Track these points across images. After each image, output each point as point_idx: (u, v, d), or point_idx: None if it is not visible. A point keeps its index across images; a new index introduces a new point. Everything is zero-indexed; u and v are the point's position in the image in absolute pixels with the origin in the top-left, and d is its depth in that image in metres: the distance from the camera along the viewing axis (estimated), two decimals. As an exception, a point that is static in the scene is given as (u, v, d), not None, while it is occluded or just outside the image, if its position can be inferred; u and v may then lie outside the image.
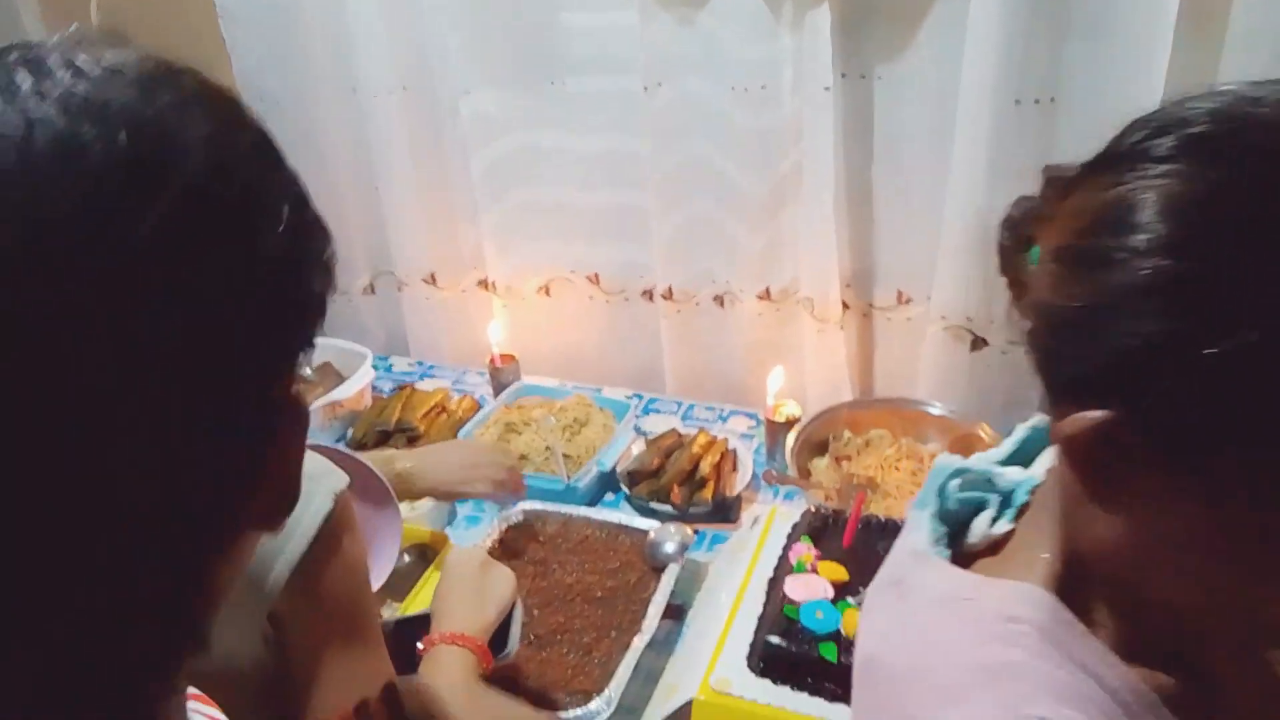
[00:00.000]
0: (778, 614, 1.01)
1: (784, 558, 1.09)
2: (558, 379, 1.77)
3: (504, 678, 1.00)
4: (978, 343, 1.48)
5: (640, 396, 1.73)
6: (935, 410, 1.46)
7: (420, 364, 1.90)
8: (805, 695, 0.95)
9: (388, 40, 1.59)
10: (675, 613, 1.24)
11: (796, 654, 0.97)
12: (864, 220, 1.51)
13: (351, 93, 1.64)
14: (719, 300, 1.66)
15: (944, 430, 1.45)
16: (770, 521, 1.21)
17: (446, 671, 0.89)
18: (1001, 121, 1.31)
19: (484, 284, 1.80)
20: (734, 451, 1.49)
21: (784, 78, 1.42)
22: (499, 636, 0.97)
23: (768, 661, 0.98)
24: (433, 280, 1.82)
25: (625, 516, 1.34)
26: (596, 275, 1.72)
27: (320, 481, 0.70)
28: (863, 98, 1.42)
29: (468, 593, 0.97)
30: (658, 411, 1.69)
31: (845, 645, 0.96)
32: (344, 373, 1.71)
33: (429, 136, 1.67)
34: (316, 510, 0.68)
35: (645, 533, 1.30)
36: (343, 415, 1.63)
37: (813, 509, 1.17)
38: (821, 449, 1.47)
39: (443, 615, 0.95)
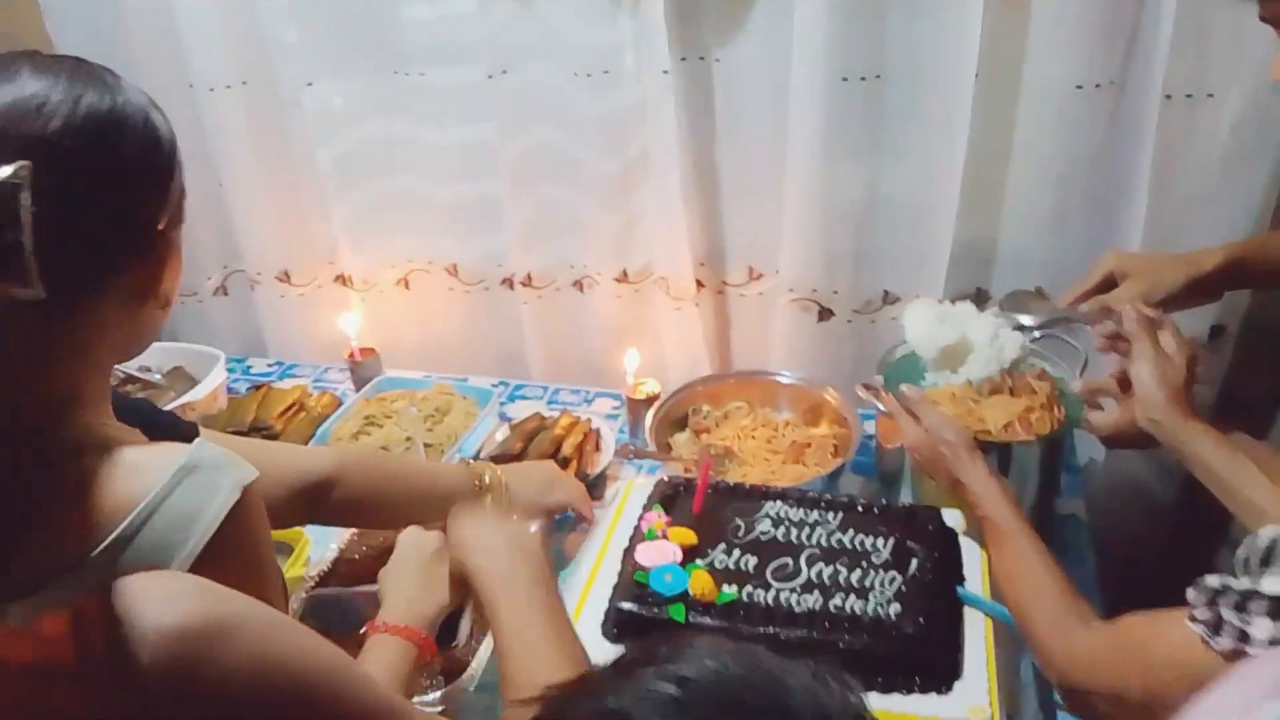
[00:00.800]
0: (629, 580, 1.03)
1: (637, 527, 1.12)
2: (421, 371, 1.76)
3: (449, 670, 1.01)
4: (824, 313, 1.55)
5: (505, 384, 1.73)
6: (785, 379, 1.51)
7: (279, 364, 1.85)
8: (658, 656, 0.98)
9: (223, 33, 1.55)
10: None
11: (647, 617, 0.99)
12: (712, 199, 1.55)
13: (187, 88, 1.59)
14: (578, 285, 1.68)
15: (796, 398, 1.50)
16: (626, 495, 1.23)
17: (385, 663, 0.89)
18: (832, 99, 1.37)
19: (341, 279, 1.77)
20: (597, 431, 1.51)
21: (625, 62, 1.44)
22: (449, 626, 0.99)
23: (620, 626, 1.01)
24: (286, 278, 1.78)
25: (488, 500, 1.34)
26: (455, 266, 1.72)
27: (227, 472, 0.66)
28: (702, 80, 1.45)
29: (417, 577, 0.97)
30: (524, 398, 1.70)
31: (693, 605, 0.99)
32: (197, 376, 1.65)
33: (273, 131, 1.63)
34: (221, 504, 0.64)
35: (507, 516, 1.31)
36: (195, 418, 1.58)
37: (665, 479, 1.20)
38: (682, 424, 1.51)
39: (391, 600, 0.95)
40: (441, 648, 0.98)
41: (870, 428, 1.39)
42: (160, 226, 0.68)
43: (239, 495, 0.66)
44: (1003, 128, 1.40)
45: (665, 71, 1.40)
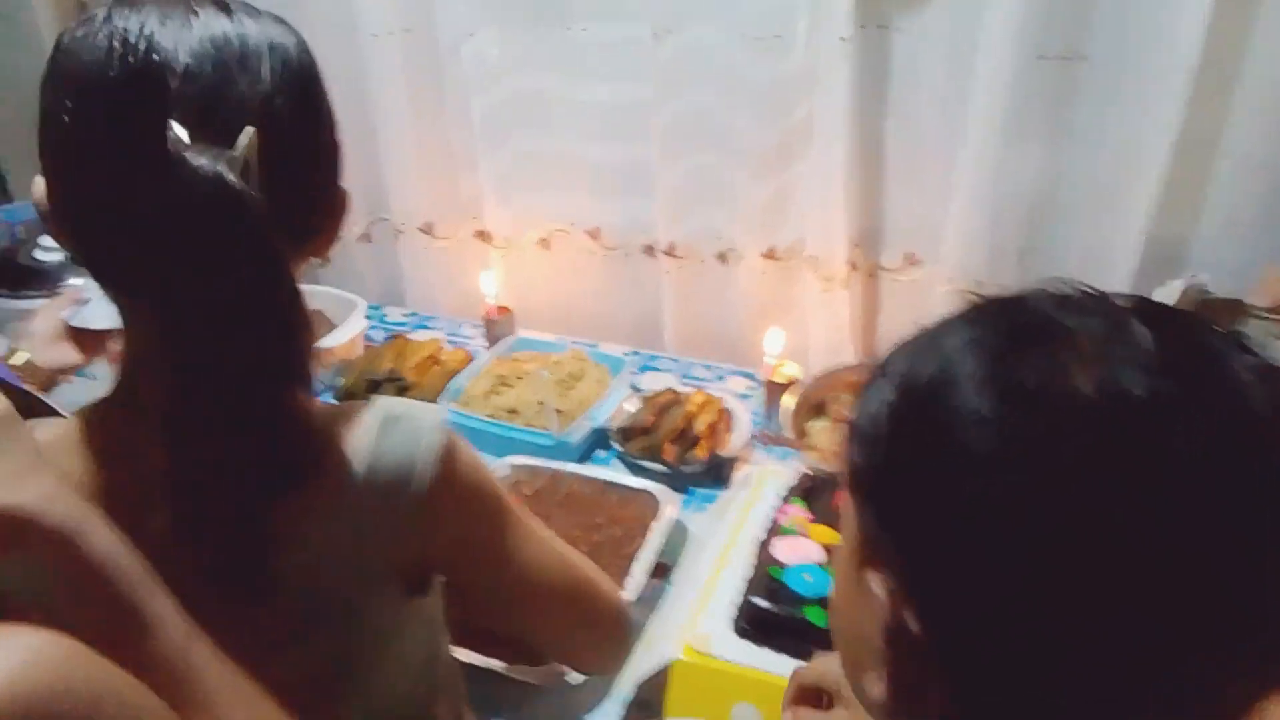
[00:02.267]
0: (763, 575, 0.97)
1: (775, 520, 1.06)
2: (554, 334, 1.74)
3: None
4: (986, 308, 1.44)
5: (637, 353, 1.69)
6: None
7: (415, 315, 1.86)
8: (787, 658, 0.92)
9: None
10: (662, 572, 1.21)
11: (780, 616, 0.93)
12: (874, 177, 1.46)
13: (351, 32, 1.59)
14: (722, 257, 1.61)
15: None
16: (761, 482, 1.17)
17: None
18: (1022, 78, 1.26)
19: (482, 235, 1.76)
20: (730, 411, 1.45)
21: (799, 26, 1.36)
22: None
23: (750, 623, 0.95)
24: (429, 229, 1.78)
25: (613, 473, 1.30)
26: (597, 229, 1.68)
27: (420, 419, 0.67)
28: (880, 49, 1.36)
29: None
30: (655, 369, 1.65)
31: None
32: (336, 321, 1.67)
33: (429, 80, 1.62)
34: (428, 445, 0.66)
35: (634, 490, 1.27)
36: (333, 363, 1.59)
37: (809, 472, 1.14)
38: (820, 411, 1.43)
39: None
40: None
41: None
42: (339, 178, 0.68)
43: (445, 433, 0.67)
44: (1212, 121, 1.26)
45: (844, 39, 1.31)
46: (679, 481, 1.36)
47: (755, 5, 1.36)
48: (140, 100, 0.54)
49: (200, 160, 0.52)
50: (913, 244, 1.50)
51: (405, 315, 1.86)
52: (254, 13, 0.62)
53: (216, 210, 0.53)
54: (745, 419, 1.44)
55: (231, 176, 0.53)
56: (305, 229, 0.65)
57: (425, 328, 1.82)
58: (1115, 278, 1.35)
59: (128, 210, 0.53)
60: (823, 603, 0.93)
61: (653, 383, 1.60)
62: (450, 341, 1.76)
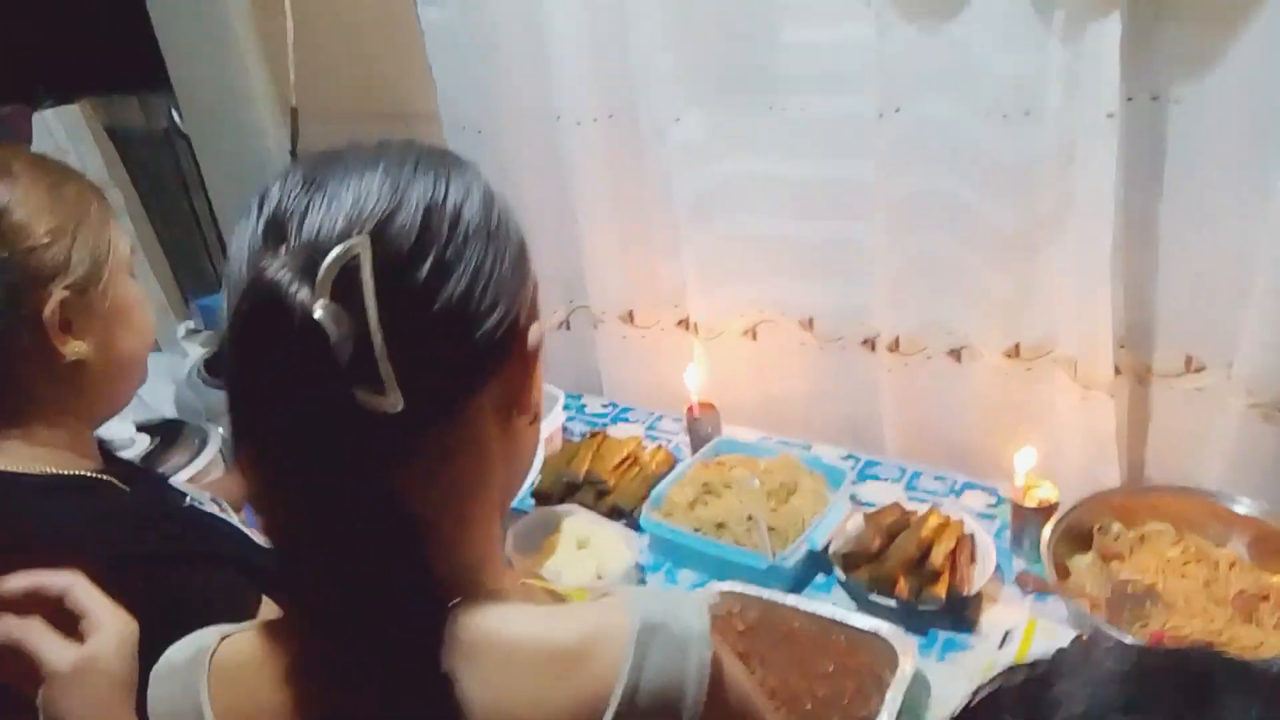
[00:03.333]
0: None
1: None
2: (761, 433, 1.60)
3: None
4: (1293, 424, 1.19)
5: (856, 458, 1.52)
6: (1239, 507, 1.17)
7: (614, 405, 1.77)
8: None
9: (591, 65, 1.47)
10: (899, 737, 1.03)
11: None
12: (1145, 267, 1.25)
13: (554, 120, 1.53)
14: (954, 355, 1.43)
15: (1245, 529, 1.17)
16: (1028, 639, 0.98)
17: None
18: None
19: (684, 324, 1.65)
20: (971, 537, 1.26)
21: (1050, 99, 1.18)
22: None
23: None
24: (630, 318, 1.69)
25: (839, 610, 1.14)
26: (809, 320, 1.54)
27: (686, 621, 0.55)
28: (1153, 124, 1.16)
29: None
30: (876, 478, 1.48)
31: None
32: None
33: (632, 165, 1.53)
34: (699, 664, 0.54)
35: (863, 632, 1.11)
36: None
37: (1083, 637, 0.94)
38: (1082, 543, 1.22)
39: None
40: None
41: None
42: (521, 324, 0.58)
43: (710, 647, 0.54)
44: None
45: (1111, 115, 1.12)
46: (914, 621, 1.18)
47: (999, 75, 1.20)
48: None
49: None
50: (1194, 345, 1.27)
51: (604, 406, 1.78)
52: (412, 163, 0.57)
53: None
54: (990, 547, 1.24)
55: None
56: (471, 369, 0.56)
57: (624, 419, 1.73)
58: None
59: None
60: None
61: (874, 494, 1.43)
62: (650, 436, 1.66)
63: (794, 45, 1.35)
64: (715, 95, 1.42)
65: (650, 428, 1.69)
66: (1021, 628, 1.01)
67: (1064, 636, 0.96)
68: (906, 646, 1.07)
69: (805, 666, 1.08)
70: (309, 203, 0.52)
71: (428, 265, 0.53)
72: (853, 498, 1.42)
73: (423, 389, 0.52)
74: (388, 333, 0.49)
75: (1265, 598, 1.09)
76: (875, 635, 1.10)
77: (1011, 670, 0.42)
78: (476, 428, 0.58)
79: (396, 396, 0.50)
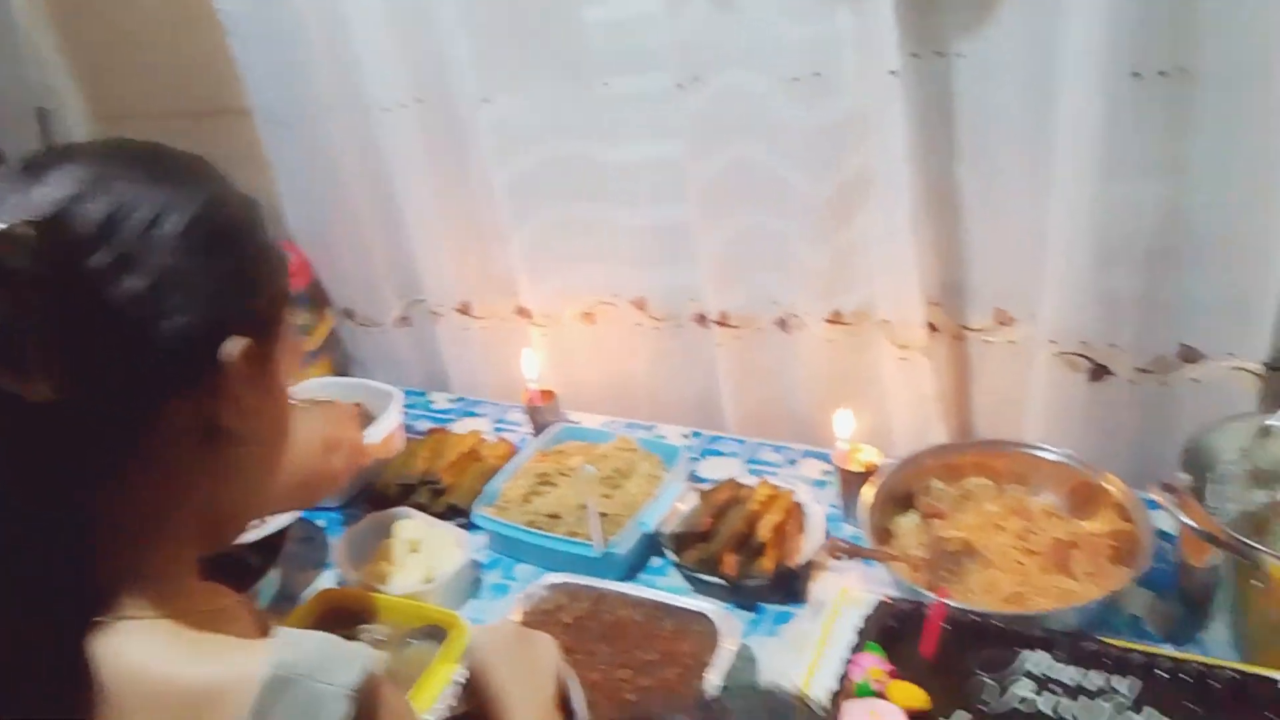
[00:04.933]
0: (834, 759, 0.78)
1: (846, 674, 0.86)
2: (606, 415, 1.58)
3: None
4: (1098, 371, 1.22)
5: (699, 435, 1.52)
6: (1049, 455, 1.20)
7: (461, 400, 1.73)
8: None
9: (397, 51, 1.41)
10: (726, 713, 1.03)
11: (858, 815, 0.74)
12: (950, 226, 1.26)
13: (365, 110, 1.48)
14: (781, 324, 1.43)
15: (1060, 479, 1.19)
16: (836, 611, 0.98)
17: None
18: (1119, 100, 1.05)
19: (522, 311, 1.61)
20: (801, 507, 1.26)
21: (843, 62, 1.18)
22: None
23: (822, 820, 0.76)
24: (467, 309, 1.65)
25: (668, 595, 1.13)
26: (642, 300, 1.52)
27: (332, 672, 0.52)
28: (940, 80, 1.17)
29: (522, 675, 0.83)
30: (718, 453, 1.47)
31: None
32: (376, 414, 1.55)
33: (450, 152, 1.49)
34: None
35: (692, 614, 1.10)
36: (365, 467, 1.47)
37: (888, 601, 0.94)
38: (907, 504, 1.23)
39: (509, 708, 0.80)
40: None
41: (1166, 522, 1.05)
42: (228, 338, 0.55)
43: (352, 704, 0.50)
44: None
45: (893, 72, 1.12)
46: (744, 597, 1.18)
47: (791, 42, 1.19)
48: None
49: None
50: (1004, 299, 1.29)
51: (451, 401, 1.73)
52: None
53: None
54: (820, 516, 1.25)
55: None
56: (147, 380, 0.54)
57: (471, 414, 1.69)
58: (1255, 323, 1.11)
59: None
60: (909, 798, 0.74)
61: (715, 471, 1.42)
62: (499, 430, 1.62)
63: (593, 23, 1.32)
64: (523, 76, 1.39)
65: (499, 421, 1.65)
66: (834, 597, 1.00)
67: (870, 602, 0.96)
68: (731, 627, 1.06)
69: (630, 657, 1.06)
70: (11, 189, 0.53)
71: (104, 256, 0.51)
72: (694, 477, 1.41)
73: (88, 385, 0.50)
74: (44, 318, 0.48)
75: (1075, 545, 1.11)
76: (702, 617, 1.09)
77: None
78: (163, 445, 0.55)
79: (45, 385, 0.48)
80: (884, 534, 1.18)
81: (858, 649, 0.88)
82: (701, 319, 1.48)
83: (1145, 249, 1.13)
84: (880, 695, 0.82)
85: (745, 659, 1.09)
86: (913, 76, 1.15)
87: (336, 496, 1.42)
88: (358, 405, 1.57)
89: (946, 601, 0.87)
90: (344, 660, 0.53)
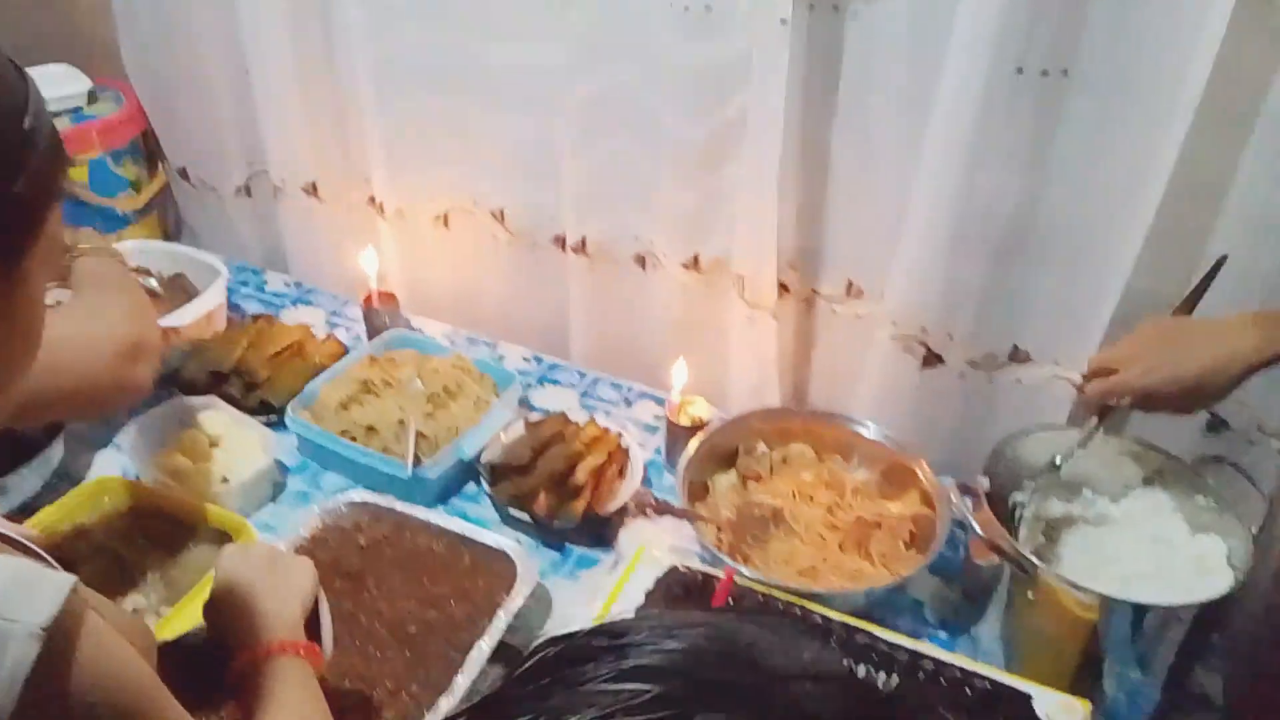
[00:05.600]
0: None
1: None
2: (449, 325, 1.52)
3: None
4: (931, 359, 1.23)
5: (540, 360, 1.48)
6: (869, 431, 1.21)
7: (299, 286, 1.63)
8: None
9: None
10: (513, 657, 1.02)
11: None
12: (816, 189, 1.23)
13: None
14: (640, 260, 1.39)
15: (875, 457, 1.21)
16: (632, 567, 0.97)
17: (303, 686, 0.73)
18: (995, 92, 1.03)
19: (373, 202, 1.52)
20: (626, 451, 1.25)
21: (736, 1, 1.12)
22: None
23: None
24: (314, 190, 1.53)
25: (472, 527, 1.10)
26: (501, 212, 1.44)
27: (12, 607, 0.47)
28: (830, 36, 1.12)
29: (269, 593, 0.78)
30: (556, 382, 1.44)
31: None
32: (200, 288, 1.44)
33: (314, 15, 1.36)
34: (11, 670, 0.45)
35: (492, 550, 1.07)
36: (177, 345, 1.37)
37: (680, 568, 0.94)
38: (731, 461, 1.23)
39: (251, 628, 0.75)
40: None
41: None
42: None
43: (36, 650, 0.46)
44: (1219, 164, 1.04)
45: (784, 20, 1.07)
46: (551, 537, 1.16)
47: (688, -31, 1.12)
48: None
49: None
50: (857, 271, 1.28)
51: (287, 285, 1.63)
52: None
53: None
54: (641, 463, 1.23)
55: None
56: None
57: (306, 302, 1.59)
58: (1085, 333, 1.14)
59: None
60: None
61: (550, 399, 1.39)
62: (331, 324, 1.54)
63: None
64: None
65: (335, 314, 1.57)
66: (632, 553, 1.00)
67: (663, 565, 0.95)
68: (529, 569, 1.05)
69: (420, 589, 1.03)
70: None
71: None
72: (526, 403, 1.37)
73: None
74: None
75: (878, 525, 1.13)
76: (503, 555, 1.07)
77: (590, 631, 0.37)
78: None
79: None
80: (700, 490, 1.18)
81: (643, 610, 0.87)
82: (560, 242, 1.42)
83: (996, 243, 1.14)
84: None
85: (539, 600, 1.08)
86: (803, 26, 1.09)
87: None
88: (177, 277, 1.47)
89: (736, 575, 0.86)
90: (33, 592, 0.48)
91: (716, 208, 1.27)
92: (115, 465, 1.22)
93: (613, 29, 1.19)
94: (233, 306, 1.54)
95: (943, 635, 1.05)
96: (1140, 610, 0.85)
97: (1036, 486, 1.01)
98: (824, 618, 0.88)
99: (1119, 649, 0.87)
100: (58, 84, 1.50)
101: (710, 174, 1.25)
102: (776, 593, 0.92)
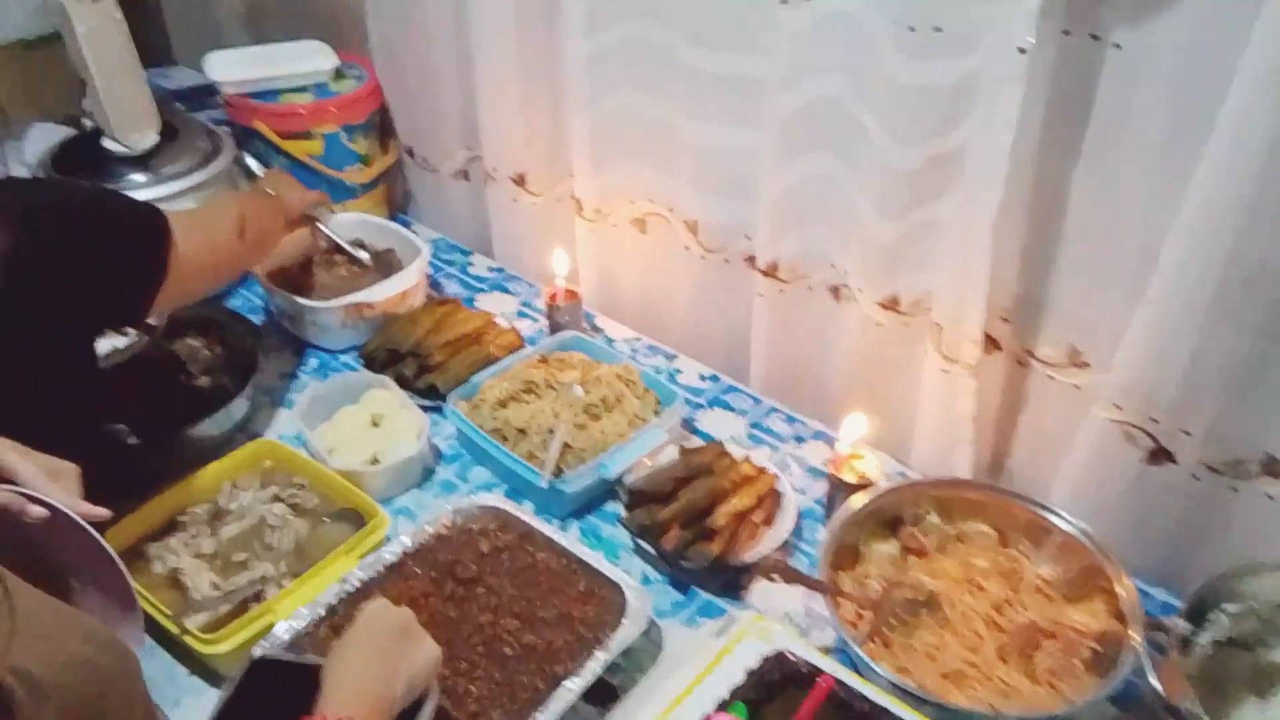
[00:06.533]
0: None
1: (704, 721, 0.77)
2: (632, 331, 1.47)
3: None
4: (1159, 454, 1.02)
5: (717, 379, 1.39)
6: (1063, 522, 1.03)
7: (500, 271, 1.64)
8: None
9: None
10: (610, 697, 0.95)
11: None
12: (1047, 234, 1.06)
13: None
14: (834, 292, 1.27)
15: (1069, 555, 1.02)
16: (739, 637, 0.87)
17: None
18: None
19: (574, 200, 1.49)
20: (780, 497, 1.14)
21: (974, 20, 0.97)
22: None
23: None
24: (522, 181, 1.53)
25: (591, 553, 1.04)
26: (695, 223, 1.37)
27: None
28: (1084, 69, 0.95)
29: (374, 658, 0.75)
30: (729, 407, 1.35)
31: None
32: (405, 266, 1.49)
33: (538, 11, 1.35)
34: None
35: (606, 580, 1.01)
36: (372, 319, 1.41)
37: (789, 655, 0.82)
38: (895, 530, 1.09)
39: (338, 682, 0.73)
40: None
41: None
42: None
43: None
44: None
45: (1022, 50, 0.91)
46: (683, 576, 1.08)
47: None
48: None
49: None
50: (1083, 336, 1.09)
51: (491, 270, 1.65)
52: None
53: None
54: (794, 512, 1.12)
55: None
56: None
57: (504, 289, 1.60)
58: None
59: None
60: None
61: (717, 423, 1.31)
62: (521, 314, 1.54)
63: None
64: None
65: (526, 304, 1.56)
66: (744, 621, 0.89)
67: (774, 643, 0.84)
68: (641, 607, 0.97)
69: (528, 608, 0.99)
70: None
71: None
72: (690, 424, 1.30)
73: None
74: None
75: (1051, 635, 0.96)
76: (617, 587, 1.00)
77: None
78: None
79: None
80: (851, 557, 1.06)
81: (725, 705, 0.77)
82: (751, 260, 1.32)
83: (1260, 322, 0.92)
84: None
85: (652, 640, 1.01)
86: (1052, 55, 0.93)
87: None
88: (386, 252, 1.52)
89: (838, 685, 0.75)
90: None
91: (923, 245, 1.13)
92: (292, 426, 1.27)
93: (828, 42, 1.08)
94: (435, 285, 1.58)
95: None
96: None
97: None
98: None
99: None
100: (308, 59, 1.59)
101: (919, 207, 1.10)
102: (896, 703, 0.79)
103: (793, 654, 0.82)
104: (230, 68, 1.58)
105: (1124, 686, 0.88)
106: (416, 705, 0.77)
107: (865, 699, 0.78)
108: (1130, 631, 0.90)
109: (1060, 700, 0.89)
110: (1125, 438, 1.03)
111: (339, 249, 1.50)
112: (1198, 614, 0.82)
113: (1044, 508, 1.05)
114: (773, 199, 1.23)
